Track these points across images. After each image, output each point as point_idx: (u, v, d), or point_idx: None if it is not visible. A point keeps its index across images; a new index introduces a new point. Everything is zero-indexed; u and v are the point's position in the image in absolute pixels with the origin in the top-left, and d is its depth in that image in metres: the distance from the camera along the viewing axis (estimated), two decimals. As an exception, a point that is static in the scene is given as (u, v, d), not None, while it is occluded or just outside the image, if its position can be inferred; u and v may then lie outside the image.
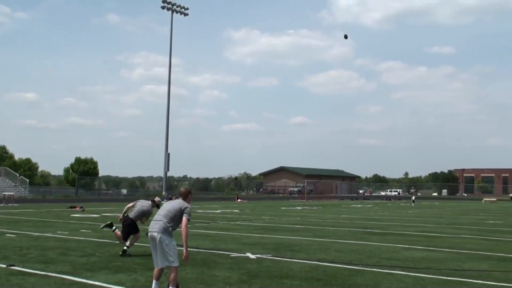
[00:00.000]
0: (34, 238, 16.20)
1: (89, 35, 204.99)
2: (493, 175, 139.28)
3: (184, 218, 8.49)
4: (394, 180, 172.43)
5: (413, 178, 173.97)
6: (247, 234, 18.27)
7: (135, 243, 12.93)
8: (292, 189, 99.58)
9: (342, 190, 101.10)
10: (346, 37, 30.96)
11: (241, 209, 39.86)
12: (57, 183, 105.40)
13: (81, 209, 33.24)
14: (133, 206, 13.09)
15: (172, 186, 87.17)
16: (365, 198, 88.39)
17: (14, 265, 10.65)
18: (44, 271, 10.14)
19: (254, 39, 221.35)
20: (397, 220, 28.13)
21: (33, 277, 9.56)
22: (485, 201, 70.45)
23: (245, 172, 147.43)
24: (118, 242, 13.40)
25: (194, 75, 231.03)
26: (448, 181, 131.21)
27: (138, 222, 12.88)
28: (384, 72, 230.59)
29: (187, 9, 64.96)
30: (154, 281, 8.16)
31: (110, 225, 13.61)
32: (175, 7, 63.40)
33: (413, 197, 59.30)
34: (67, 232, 17.93)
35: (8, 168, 61.84)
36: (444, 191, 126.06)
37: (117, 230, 13.28)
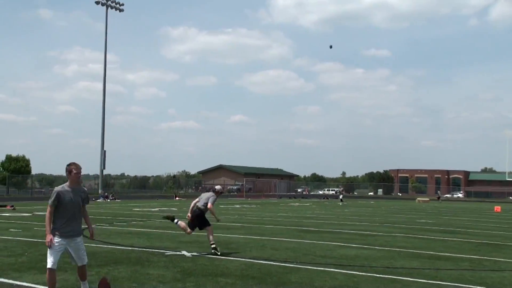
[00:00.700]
0: (-40, 236, 15.55)
1: (20, 30, 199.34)
2: (426, 175, 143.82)
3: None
4: (331, 179, 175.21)
5: (350, 178, 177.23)
6: (183, 232, 18.05)
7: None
8: (231, 187, 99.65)
9: (280, 188, 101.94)
10: (331, 47, 32.02)
11: (179, 207, 39.53)
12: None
13: (12, 208, 32.09)
14: (198, 201, 13.41)
15: (108, 184, 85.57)
16: (303, 196, 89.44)
17: None
18: (-32, 270, 9.73)
19: (192, 37, 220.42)
20: (333, 218, 28.55)
21: (-43, 276, 9.15)
22: (419, 200, 72.55)
23: (184, 170, 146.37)
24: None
25: (131, 72, 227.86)
26: (383, 181, 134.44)
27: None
28: (322, 73, 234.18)
29: (122, 4, 63.94)
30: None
31: (171, 218, 13.77)
32: (109, 2, 62.27)
33: (341, 196, 59.62)
34: (-4, 230, 17.29)
35: None
36: (380, 191, 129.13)
37: (180, 221, 13.55)
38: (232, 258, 11.97)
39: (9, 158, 73.09)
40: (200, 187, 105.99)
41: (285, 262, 11.61)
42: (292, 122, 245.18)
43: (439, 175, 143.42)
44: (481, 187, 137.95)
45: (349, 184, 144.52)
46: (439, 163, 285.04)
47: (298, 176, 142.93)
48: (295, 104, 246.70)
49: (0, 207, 33.15)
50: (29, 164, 72.43)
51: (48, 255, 7.20)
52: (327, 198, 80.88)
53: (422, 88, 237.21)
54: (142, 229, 19.06)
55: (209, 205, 12.86)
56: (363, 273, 10.38)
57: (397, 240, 17.23)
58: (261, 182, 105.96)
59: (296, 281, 9.31)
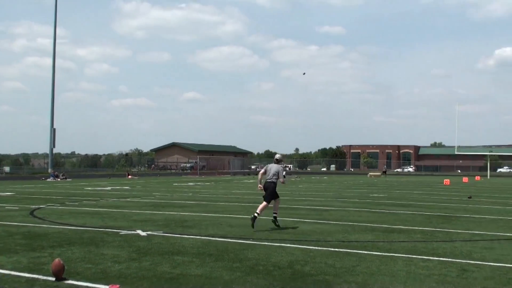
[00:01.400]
0: None
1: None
2: (377, 151, 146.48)
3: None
4: (285, 156, 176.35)
5: (303, 154, 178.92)
6: (137, 211, 17.90)
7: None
8: (185, 165, 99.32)
9: (234, 165, 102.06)
10: (304, 73, 32.13)
11: (132, 185, 39.11)
12: None
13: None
14: (265, 172, 14.08)
15: (58, 163, 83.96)
16: (257, 173, 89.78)
17: None
18: None
19: (145, 11, 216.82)
20: (288, 194, 28.71)
21: None
22: (370, 175, 73.82)
23: (136, 148, 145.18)
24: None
25: (82, 48, 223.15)
26: (336, 156, 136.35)
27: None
28: (276, 49, 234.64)
29: (74, -23, 62.08)
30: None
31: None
32: (60, -25, 60.41)
33: (284, 173, 58.18)
34: None
35: None
36: (333, 166, 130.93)
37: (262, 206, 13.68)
38: (187, 236, 11.86)
39: (-48, 138, 70.53)
40: (153, 165, 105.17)
41: (241, 238, 11.58)
42: (246, 99, 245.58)
43: (390, 150, 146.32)
44: (431, 161, 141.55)
45: (302, 160, 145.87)
46: (390, 138, 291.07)
47: (251, 153, 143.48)
48: (249, 81, 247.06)
49: None
50: (-26, 143, 70.25)
51: None
52: (290, 175, 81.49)
53: (375, 65, 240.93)
54: (95, 209, 18.72)
55: (281, 179, 14.00)
56: (319, 248, 10.44)
57: (351, 214, 17.45)
58: (215, 159, 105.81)
59: (253, 257, 9.28)
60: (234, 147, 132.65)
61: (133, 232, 12.50)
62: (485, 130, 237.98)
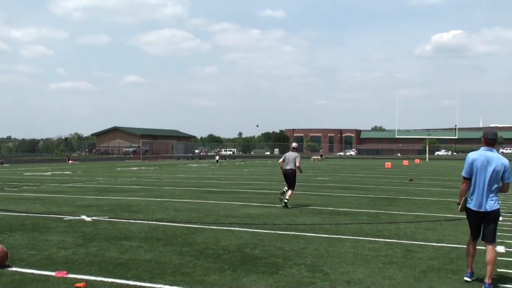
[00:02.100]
0: None
1: None
2: (320, 135, 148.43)
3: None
4: (228, 140, 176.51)
5: (246, 138, 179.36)
6: (81, 196, 17.52)
7: None
8: (127, 149, 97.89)
9: (178, 150, 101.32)
10: (257, 126, 31.94)
11: (73, 170, 38.28)
12: None
13: None
14: (284, 160, 15.38)
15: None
16: (201, 157, 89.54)
17: None
18: None
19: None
20: (233, 178, 28.75)
21: None
22: (314, 159, 74.75)
23: (76, 133, 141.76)
24: None
25: (16, 29, 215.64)
26: (279, 140, 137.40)
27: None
28: (218, 33, 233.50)
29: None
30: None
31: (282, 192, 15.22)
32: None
33: (217, 157, 55.66)
34: None
35: None
36: (276, 150, 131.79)
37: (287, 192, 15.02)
38: (134, 221, 11.70)
39: None
40: (94, 150, 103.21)
41: (189, 223, 11.50)
42: (189, 83, 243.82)
43: (332, 134, 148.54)
44: (372, 144, 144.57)
45: (246, 144, 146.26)
46: (332, 122, 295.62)
47: (195, 137, 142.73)
48: (191, 65, 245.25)
49: None
50: None
51: None
52: (225, 159, 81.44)
53: (317, 49, 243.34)
54: (35, 194, 18.21)
55: (298, 164, 15.07)
56: (267, 231, 10.49)
57: (297, 197, 17.58)
58: (158, 144, 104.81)
59: (202, 241, 9.24)
60: (177, 131, 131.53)
61: (77, 217, 12.23)
62: (423, 114, 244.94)
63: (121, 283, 6.47)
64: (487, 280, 6.49)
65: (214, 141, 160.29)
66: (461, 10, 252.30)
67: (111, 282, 6.53)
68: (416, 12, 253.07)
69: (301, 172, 15.54)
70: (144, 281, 6.57)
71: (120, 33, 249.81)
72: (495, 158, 6.73)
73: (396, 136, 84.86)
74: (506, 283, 6.75)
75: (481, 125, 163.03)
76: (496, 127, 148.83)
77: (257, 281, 6.63)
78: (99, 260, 7.72)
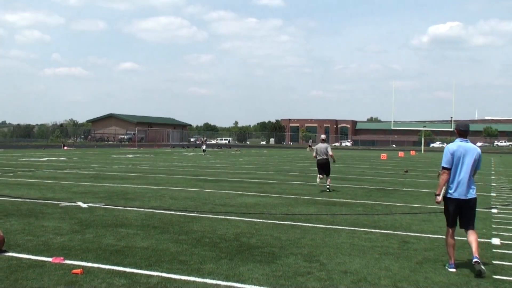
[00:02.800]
0: None
1: None
2: (316, 125, 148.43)
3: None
4: (224, 129, 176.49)
5: (242, 127, 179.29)
6: (76, 183, 17.50)
7: None
8: (123, 136, 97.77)
9: (173, 138, 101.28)
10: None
11: (68, 157, 38.21)
12: None
13: None
14: (316, 151, 17.25)
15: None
16: (197, 146, 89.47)
17: None
18: None
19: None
20: (229, 167, 28.76)
21: None
22: (309, 149, 74.75)
23: (72, 119, 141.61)
24: None
25: (11, 13, 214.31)
26: (275, 130, 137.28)
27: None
28: (215, 21, 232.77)
29: None
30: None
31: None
32: None
33: (204, 147, 51.84)
34: None
35: None
36: (272, 140, 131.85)
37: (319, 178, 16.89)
38: (130, 208, 11.70)
39: None
40: (89, 136, 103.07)
41: (185, 211, 11.50)
42: (185, 71, 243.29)
43: (328, 125, 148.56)
44: (367, 136, 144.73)
45: (241, 134, 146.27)
46: (328, 112, 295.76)
47: (190, 125, 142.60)
48: (187, 53, 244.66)
49: None
50: None
51: None
52: (221, 148, 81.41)
53: (314, 39, 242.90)
54: (31, 180, 18.18)
55: (331, 153, 17.00)
56: (264, 220, 10.51)
57: (293, 187, 17.64)
58: (154, 131, 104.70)
59: (198, 230, 9.24)
60: (173, 119, 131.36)
61: (73, 204, 12.22)
62: (419, 106, 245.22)
63: (118, 270, 6.47)
64: (475, 254, 6.83)
65: (209, 130, 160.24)
66: (458, 1, 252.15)
67: (108, 269, 6.53)
68: (413, 4, 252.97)
69: (334, 161, 17.68)
70: (141, 269, 6.57)
71: (116, 20, 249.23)
72: (472, 148, 7.16)
73: (392, 128, 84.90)
74: (502, 275, 6.77)
75: (476, 118, 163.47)
76: (492, 120, 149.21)
77: (253, 270, 6.64)
78: (96, 246, 7.72)
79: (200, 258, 7.18)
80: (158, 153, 50.12)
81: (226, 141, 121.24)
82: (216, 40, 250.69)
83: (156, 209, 11.64)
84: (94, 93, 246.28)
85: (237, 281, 6.17)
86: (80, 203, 12.26)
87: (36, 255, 7.13)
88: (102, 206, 12.00)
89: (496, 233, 9.64)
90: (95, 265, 6.68)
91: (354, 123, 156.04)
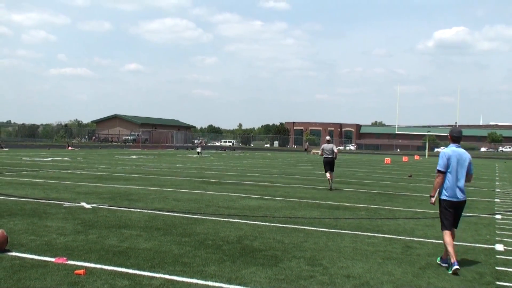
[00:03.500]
0: None
1: None
2: (320, 128, 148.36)
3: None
4: (228, 131, 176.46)
5: (246, 130, 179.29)
6: (80, 183, 17.53)
7: None
8: (127, 137, 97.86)
9: (177, 139, 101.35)
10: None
11: (72, 157, 38.28)
12: None
13: None
14: (323, 150, 19.23)
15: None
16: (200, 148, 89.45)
17: None
18: None
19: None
20: (233, 170, 28.76)
21: None
22: (313, 152, 74.69)
23: (76, 119, 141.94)
24: None
25: (18, 13, 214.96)
26: (279, 133, 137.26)
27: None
28: (220, 23, 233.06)
29: None
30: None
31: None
32: None
33: (198, 149, 50.50)
34: None
35: None
36: (276, 143, 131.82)
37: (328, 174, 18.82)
38: (134, 210, 11.70)
39: None
40: (94, 137, 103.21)
41: (188, 213, 11.51)
42: (190, 72, 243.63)
43: (332, 128, 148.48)
44: (372, 140, 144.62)
45: (245, 136, 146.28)
46: (332, 116, 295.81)
47: (195, 127, 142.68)
48: (192, 55, 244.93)
49: None
50: None
51: None
52: (225, 150, 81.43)
53: (319, 43, 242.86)
54: (35, 180, 18.22)
55: (336, 151, 19.31)
56: (267, 223, 10.50)
57: (296, 191, 17.62)
58: (158, 133, 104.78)
59: (201, 232, 9.24)
60: (177, 120, 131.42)
61: (77, 204, 12.23)
62: (424, 110, 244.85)
63: (120, 271, 6.47)
64: (444, 257, 7.50)
65: (214, 132, 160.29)
66: (464, 6, 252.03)
67: (110, 270, 6.53)
68: (419, 8, 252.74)
69: (335, 158, 19.23)
70: (143, 270, 6.57)
71: (122, 21, 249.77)
72: (465, 154, 7.67)
73: (396, 132, 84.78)
74: (505, 281, 6.75)
75: (481, 123, 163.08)
76: (496, 125, 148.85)
77: (256, 273, 6.64)
78: (99, 247, 7.72)
79: (203, 261, 7.18)
80: (162, 155, 50.17)
81: (230, 143, 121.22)
82: (222, 42, 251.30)
83: (159, 211, 11.65)
84: (99, 94, 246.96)
85: (239, 284, 6.17)
86: (83, 204, 12.28)
87: (39, 255, 7.14)
88: (106, 207, 12.02)
89: (500, 239, 9.61)
90: (98, 266, 6.69)
91: (358, 127, 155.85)
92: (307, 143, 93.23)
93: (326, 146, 19.26)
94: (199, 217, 11.02)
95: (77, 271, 6.31)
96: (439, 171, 7.63)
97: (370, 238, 9.32)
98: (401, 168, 38.05)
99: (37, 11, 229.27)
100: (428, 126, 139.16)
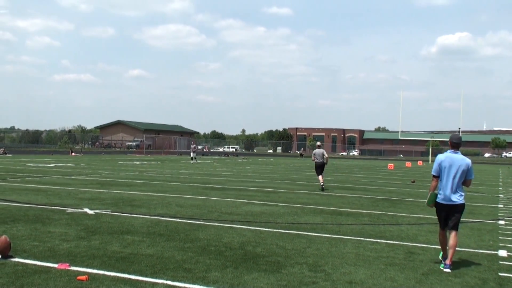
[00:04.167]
0: None
1: None
2: (323, 134, 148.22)
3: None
4: (231, 136, 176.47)
5: (249, 135, 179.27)
6: (83, 189, 17.55)
7: None
8: (130, 143, 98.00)
9: (181, 145, 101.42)
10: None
11: (76, 163, 38.34)
12: None
13: None
14: (314, 155, 20.95)
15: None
16: (204, 153, 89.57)
17: None
18: None
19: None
20: (236, 176, 28.75)
21: None
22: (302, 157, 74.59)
23: (80, 125, 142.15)
24: None
25: (22, 19, 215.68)
26: (282, 138, 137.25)
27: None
28: (224, 29, 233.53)
29: None
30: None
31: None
32: None
33: (192, 154, 48.49)
34: None
35: None
36: (279, 148, 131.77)
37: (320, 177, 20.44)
38: (137, 216, 11.71)
39: None
40: (97, 143, 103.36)
41: (191, 219, 11.51)
42: (193, 78, 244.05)
43: (336, 134, 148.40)
44: (375, 145, 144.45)
45: (248, 142, 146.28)
46: (335, 122, 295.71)
47: (198, 133, 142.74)
48: (196, 60, 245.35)
49: None
50: None
51: None
52: (228, 156, 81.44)
53: (322, 48, 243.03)
54: (38, 186, 18.25)
55: (327, 155, 21.08)
56: (269, 229, 10.49)
57: (299, 196, 17.61)
58: (161, 139, 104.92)
59: (204, 238, 9.25)
60: (180, 126, 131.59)
61: (80, 210, 12.25)
62: (427, 116, 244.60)
63: (123, 277, 6.48)
64: (448, 262, 7.64)
65: (217, 138, 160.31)
66: (468, 12, 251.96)
67: (113, 276, 6.54)
68: (422, 14, 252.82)
69: (326, 163, 20.80)
70: (146, 276, 6.58)
71: (126, 27, 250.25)
72: (459, 159, 7.95)
73: (399, 138, 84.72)
74: (508, 287, 6.74)
75: (484, 128, 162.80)
76: (500, 131, 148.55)
77: (258, 279, 6.64)
78: (102, 253, 7.73)
79: (205, 266, 7.18)
80: (165, 160, 50.20)
81: (233, 149, 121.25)
82: (225, 48, 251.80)
83: (162, 217, 11.65)
84: (102, 100, 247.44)
85: (241, 290, 6.17)
86: (86, 210, 12.30)
87: (42, 261, 7.16)
88: (109, 212, 12.03)
89: (503, 245, 9.59)
90: (101, 272, 6.70)
91: (361, 132, 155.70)
92: (302, 148, 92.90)
93: (317, 151, 21.04)
94: (202, 223, 11.02)
95: (79, 277, 6.32)
96: (432, 175, 8.15)
97: (372, 244, 9.31)
98: (404, 174, 38.00)
99: (42, 17, 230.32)
100: (432, 132, 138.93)
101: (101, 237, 8.96)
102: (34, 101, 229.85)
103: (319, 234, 10.10)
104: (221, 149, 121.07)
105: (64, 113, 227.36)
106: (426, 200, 8.25)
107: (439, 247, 9.12)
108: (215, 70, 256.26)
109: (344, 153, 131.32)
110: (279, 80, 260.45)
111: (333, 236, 9.98)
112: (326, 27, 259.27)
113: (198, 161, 49.18)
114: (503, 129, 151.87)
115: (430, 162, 77.60)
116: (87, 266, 6.94)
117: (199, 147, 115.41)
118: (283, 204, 14.97)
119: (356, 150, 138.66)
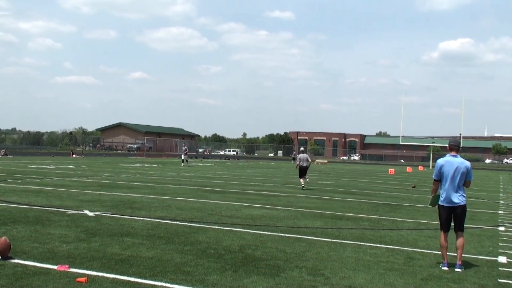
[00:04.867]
0: None
1: None
2: (324, 138, 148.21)
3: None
4: (232, 140, 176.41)
5: (250, 139, 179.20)
6: (84, 191, 17.56)
7: None
8: (131, 145, 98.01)
9: (181, 148, 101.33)
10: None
11: (76, 165, 38.35)
12: None
13: None
14: (299, 160, 22.78)
15: None
16: (205, 157, 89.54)
17: None
18: None
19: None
20: (236, 179, 28.76)
21: None
22: (317, 162, 74.66)
23: (81, 127, 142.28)
24: None
25: (24, 21, 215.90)
26: (283, 142, 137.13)
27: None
28: (226, 33, 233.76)
29: None
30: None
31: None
32: None
33: (183, 157, 47.76)
34: None
35: None
36: (280, 152, 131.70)
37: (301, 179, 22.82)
38: (137, 218, 11.71)
39: None
40: (98, 145, 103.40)
41: (191, 222, 11.51)
42: (194, 81, 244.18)
43: (337, 138, 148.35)
44: (376, 150, 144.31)
45: (249, 145, 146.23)
46: (336, 126, 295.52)
47: (199, 136, 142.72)
48: (197, 63, 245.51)
49: None
50: None
51: None
52: (229, 159, 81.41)
53: (324, 52, 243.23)
54: (39, 187, 18.26)
55: (310, 160, 23.19)
56: (269, 233, 10.49)
57: (299, 200, 17.61)
58: (162, 141, 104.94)
59: (204, 241, 9.24)
60: (181, 129, 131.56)
61: (80, 212, 12.26)
62: (428, 121, 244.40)
63: (122, 280, 6.48)
64: (458, 262, 7.96)
65: (218, 141, 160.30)
66: (470, 18, 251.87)
67: (112, 278, 6.54)
68: (424, 19, 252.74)
69: (313, 161, 22.38)
70: (145, 278, 6.58)
71: (128, 29, 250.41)
72: (458, 163, 8.17)
73: (400, 143, 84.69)
74: (507, 294, 6.74)
75: (486, 134, 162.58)
76: (501, 137, 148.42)
77: (258, 283, 6.64)
78: (101, 255, 7.74)
79: (205, 269, 7.18)
80: (166, 163, 50.21)
81: (234, 153, 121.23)
82: (227, 52, 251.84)
83: (162, 219, 11.65)
84: (103, 102, 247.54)
85: (241, 293, 6.17)
86: (86, 212, 12.30)
87: (41, 262, 7.16)
88: (109, 215, 12.03)
89: (502, 251, 9.59)
90: (100, 273, 6.70)
91: (362, 137, 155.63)
92: (294, 152, 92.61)
93: (302, 156, 22.77)
94: (202, 226, 11.02)
95: (78, 279, 6.32)
96: (434, 179, 8.44)
97: (372, 248, 9.30)
98: (405, 179, 37.98)
99: (44, 19, 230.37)
100: (433, 137, 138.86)
101: (101, 239, 8.96)
102: (35, 103, 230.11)
103: (319, 238, 10.10)
104: (222, 152, 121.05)
105: (66, 115, 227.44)
106: (428, 202, 8.53)
107: (439, 252, 9.12)
108: (216, 73, 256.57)
109: (345, 158, 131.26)
110: (281, 84, 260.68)
111: (332, 240, 9.98)
112: (328, 32, 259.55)
113: (189, 164, 48.75)
114: (504, 135, 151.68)
115: (431, 167, 77.53)
116: (86, 268, 6.94)
117: (200, 150, 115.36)
118: (283, 208, 14.97)
119: (357, 154, 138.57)
